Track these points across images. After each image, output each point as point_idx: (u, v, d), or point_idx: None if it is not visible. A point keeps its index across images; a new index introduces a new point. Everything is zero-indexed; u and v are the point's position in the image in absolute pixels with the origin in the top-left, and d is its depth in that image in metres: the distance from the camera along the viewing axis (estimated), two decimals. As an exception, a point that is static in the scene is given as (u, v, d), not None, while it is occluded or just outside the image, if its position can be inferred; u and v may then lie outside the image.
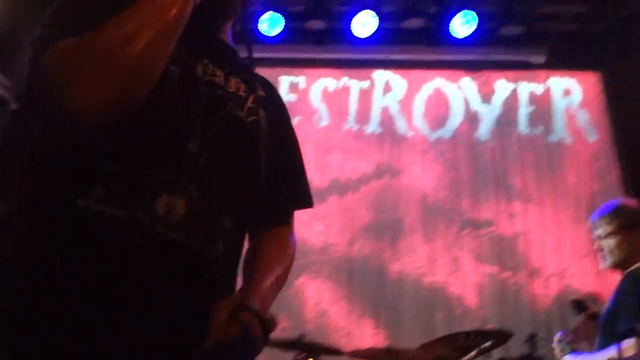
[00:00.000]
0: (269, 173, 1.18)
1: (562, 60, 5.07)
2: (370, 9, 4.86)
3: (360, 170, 4.84)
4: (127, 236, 0.93)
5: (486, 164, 4.78)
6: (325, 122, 5.06)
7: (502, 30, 4.94)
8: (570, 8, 4.91)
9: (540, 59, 5.03)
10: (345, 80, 5.20)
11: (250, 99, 1.16)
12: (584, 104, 4.97)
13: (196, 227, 0.99)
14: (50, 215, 0.95)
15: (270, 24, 4.91)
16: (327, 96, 5.15)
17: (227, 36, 1.25)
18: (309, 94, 5.17)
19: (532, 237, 4.52)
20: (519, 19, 4.87)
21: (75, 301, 0.88)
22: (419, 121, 5.02)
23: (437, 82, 5.15)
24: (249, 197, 1.13)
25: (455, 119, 4.99)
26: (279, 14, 4.89)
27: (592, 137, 4.86)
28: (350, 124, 5.04)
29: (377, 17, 4.87)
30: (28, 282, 0.90)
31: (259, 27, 4.87)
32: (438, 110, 5.04)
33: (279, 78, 5.15)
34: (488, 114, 4.98)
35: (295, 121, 5.31)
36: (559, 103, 4.97)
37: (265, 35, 4.89)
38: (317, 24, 5.07)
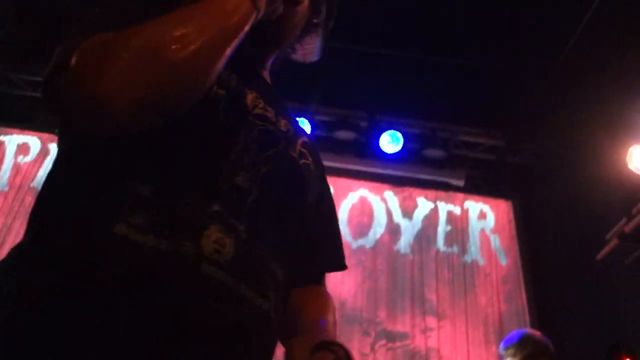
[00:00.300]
0: (311, 226, 1.10)
1: (478, 185, 5.43)
2: (305, 117, 5.05)
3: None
4: (167, 271, 0.78)
5: (404, 276, 4.87)
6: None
7: (426, 152, 5.27)
8: (488, 140, 5.34)
9: (459, 182, 5.35)
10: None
11: (300, 142, 1.07)
12: (497, 229, 5.27)
13: (246, 272, 0.85)
14: (77, 242, 0.79)
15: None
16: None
17: (267, 73, 1.17)
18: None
19: (445, 353, 4.55)
20: (442, 143, 5.23)
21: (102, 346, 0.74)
22: (343, 228, 5.09)
23: (363, 192, 5.31)
24: (294, 247, 1.01)
25: (378, 229, 5.11)
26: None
27: (503, 261, 5.11)
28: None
29: (310, 125, 5.06)
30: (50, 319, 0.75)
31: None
32: (361, 219, 5.16)
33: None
34: (409, 228, 5.15)
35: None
36: (474, 225, 5.25)
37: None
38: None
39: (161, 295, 0.77)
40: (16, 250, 0.85)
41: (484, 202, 5.40)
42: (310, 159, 1.07)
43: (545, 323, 4.63)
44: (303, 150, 1.06)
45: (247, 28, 0.88)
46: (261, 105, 1.01)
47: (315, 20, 1.17)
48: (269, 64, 1.18)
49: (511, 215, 5.34)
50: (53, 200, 0.89)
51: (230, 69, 0.96)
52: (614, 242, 3.97)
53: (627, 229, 3.84)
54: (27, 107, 5.18)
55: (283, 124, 1.04)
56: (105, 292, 0.76)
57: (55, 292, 0.76)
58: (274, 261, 0.93)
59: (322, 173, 1.16)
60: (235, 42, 0.86)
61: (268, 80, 1.17)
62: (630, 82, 3.89)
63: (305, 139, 1.10)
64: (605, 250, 4.03)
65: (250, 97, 1.00)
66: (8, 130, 5.19)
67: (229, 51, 0.85)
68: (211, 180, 0.88)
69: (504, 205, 5.42)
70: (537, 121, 5.00)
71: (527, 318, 4.80)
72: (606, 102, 4.12)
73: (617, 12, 3.91)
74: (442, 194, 5.37)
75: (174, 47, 0.79)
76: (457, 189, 5.38)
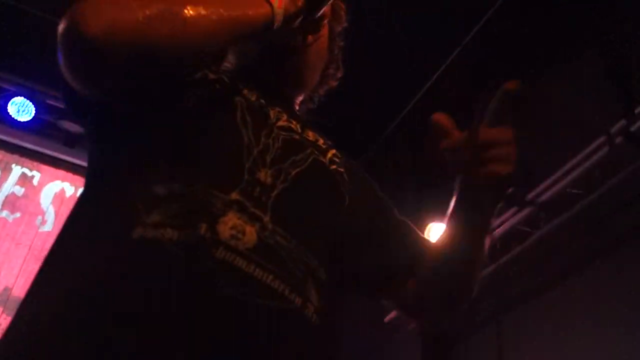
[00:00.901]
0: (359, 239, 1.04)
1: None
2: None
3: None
4: (183, 259, 0.75)
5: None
6: (48, 227, 4.58)
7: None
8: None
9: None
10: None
11: (331, 151, 1.05)
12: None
13: (273, 263, 0.80)
14: (100, 253, 0.78)
15: (20, 109, 4.49)
16: (59, 200, 4.72)
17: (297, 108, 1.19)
18: (40, 192, 4.68)
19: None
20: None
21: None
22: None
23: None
24: (335, 250, 0.95)
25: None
26: (29, 102, 4.51)
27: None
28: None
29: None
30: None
31: (8, 109, 4.41)
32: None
33: (12, 165, 4.60)
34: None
35: (13, 217, 4.65)
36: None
37: (14, 119, 4.43)
38: (70, 125, 4.78)
39: (175, 283, 0.75)
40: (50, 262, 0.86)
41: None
42: (342, 169, 1.05)
43: None
44: (335, 159, 1.04)
45: (254, 27, 0.91)
46: (285, 118, 1.02)
47: (330, 72, 1.22)
48: (296, 100, 1.19)
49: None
50: (80, 213, 0.90)
51: (254, 89, 0.99)
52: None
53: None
54: None
55: (311, 135, 1.04)
56: (125, 299, 0.73)
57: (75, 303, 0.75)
58: (312, 257, 0.87)
59: (366, 186, 1.13)
60: (239, 31, 0.89)
61: (297, 111, 1.17)
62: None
63: (337, 152, 1.08)
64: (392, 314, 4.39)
65: (273, 112, 1.01)
66: None
67: (231, 36, 0.89)
68: (229, 172, 0.86)
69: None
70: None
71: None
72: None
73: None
74: None
75: (175, 7, 0.80)
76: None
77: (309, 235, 0.89)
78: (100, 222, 0.84)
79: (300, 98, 1.20)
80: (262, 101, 1.01)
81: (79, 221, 0.89)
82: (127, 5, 0.79)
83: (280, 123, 0.99)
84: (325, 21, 1.10)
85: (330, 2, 1.02)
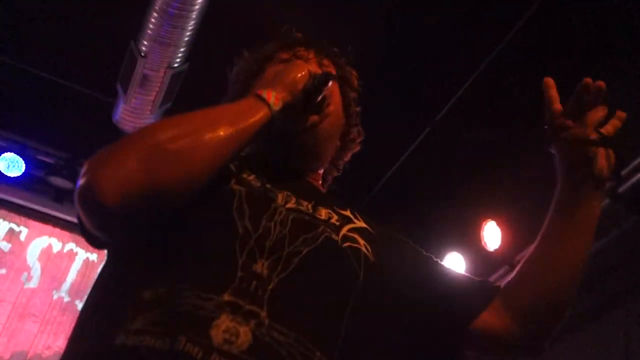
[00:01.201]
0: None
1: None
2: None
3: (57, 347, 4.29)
4: None
5: None
6: (33, 283, 4.51)
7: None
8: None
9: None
10: (71, 245, 4.83)
11: (346, 227, 1.01)
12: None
13: None
14: (86, 357, 0.81)
15: (9, 164, 4.52)
16: (45, 256, 4.67)
17: (318, 182, 1.18)
18: (27, 248, 4.64)
19: None
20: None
21: None
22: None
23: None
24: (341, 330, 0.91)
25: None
26: (19, 157, 4.54)
27: None
28: (61, 293, 4.57)
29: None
30: None
31: (-2, 165, 4.43)
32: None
33: (0, 220, 4.57)
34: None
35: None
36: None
37: (4, 174, 4.44)
38: (59, 181, 4.78)
39: None
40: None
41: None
42: (361, 242, 1.01)
43: None
44: (350, 234, 1.00)
45: (255, 131, 0.93)
46: (293, 201, 1.00)
47: (351, 137, 1.23)
48: (315, 175, 1.18)
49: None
50: (84, 318, 0.92)
51: (262, 174, 1.00)
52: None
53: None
54: None
55: (324, 213, 1.02)
56: None
57: None
58: (313, 345, 0.83)
59: (399, 248, 1.10)
60: (245, 141, 0.92)
61: (319, 188, 1.17)
62: (425, 227, 4.35)
63: (356, 226, 1.05)
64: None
65: (281, 195, 1.00)
66: None
67: (237, 148, 0.91)
68: (220, 271, 0.85)
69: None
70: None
71: None
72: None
73: (419, 170, 4.43)
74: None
75: (168, 137, 0.84)
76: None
77: (310, 324, 0.86)
78: (93, 325, 0.86)
79: (321, 171, 1.20)
80: (268, 185, 1.00)
81: (80, 319, 0.92)
82: (150, 149, 0.84)
83: (289, 205, 0.98)
84: (329, 101, 1.10)
85: (328, 86, 1.04)
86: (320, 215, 1.01)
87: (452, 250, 4.26)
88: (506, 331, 1.03)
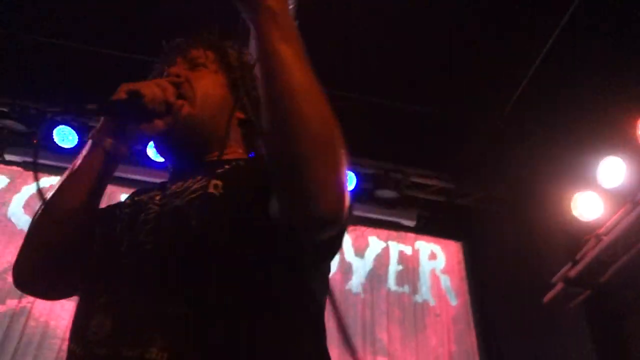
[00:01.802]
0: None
1: (429, 226, 5.50)
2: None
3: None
4: None
5: (356, 315, 4.83)
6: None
7: (378, 192, 5.32)
8: (438, 182, 5.46)
9: (410, 222, 5.41)
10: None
11: (197, 185, 1.12)
12: (447, 269, 5.33)
13: (126, 335, 0.95)
14: None
15: (64, 136, 4.96)
16: None
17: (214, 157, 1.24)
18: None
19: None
20: (393, 184, 5.30)
21: None
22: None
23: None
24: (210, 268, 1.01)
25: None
26: (71, 129, 4.91)
27: (454, 301, 5.15)
28: None
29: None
30: None
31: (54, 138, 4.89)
32: (313, 258, 5.12)
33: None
34: (361, 267, 5.14)
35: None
36: (425, 265, 5.29)
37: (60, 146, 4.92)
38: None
39: None
40: None
41: (435, 243, 5.47)
42: (210, 186, 1.09)
43: (494, 363, 4.66)
44: (196, 186, 1.11)
45: (95, 165, 1.16)
46: (159, 197, 1.17)
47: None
48: (218, 150, 1.20)
49: (461, 256, 5.41)
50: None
51: (174, 181, 1.20)
52: (559, 286, 4.07)
53: (572, 273, 3.95)
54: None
55: (175, 186, 1.17)
56: None
57: None
58: (167, 300, 0.96)
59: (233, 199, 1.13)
60: (85, 179, 1.15)
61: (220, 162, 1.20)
62: (575, 133, 4.07)
63: (217, 171, 1.15)
64: (551, 293, 4.12)
65: (158, 196, 1.18)
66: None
67: (80, 188, 1.14)
68: (102, 273, 1.08)
69: (454, 246, 5.49)
70: (486, 165, 5.15)
71: (477, 358, 4.82)
72: (552, 151, 4.30)
73: (563, 65, 4.12)
74: (393, 233, 5.41)
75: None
76: (409, 229, 5.44)
77: (170, 280, 1.00)
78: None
79: (215, 149, 1.23)
80: (154, 192, 1.21)
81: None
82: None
83: (150, 204, 1.16)
84: (182, 92, 1.23)
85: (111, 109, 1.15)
86: (169, 190, 1.18)
87: (608, 154, 3.91)
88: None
